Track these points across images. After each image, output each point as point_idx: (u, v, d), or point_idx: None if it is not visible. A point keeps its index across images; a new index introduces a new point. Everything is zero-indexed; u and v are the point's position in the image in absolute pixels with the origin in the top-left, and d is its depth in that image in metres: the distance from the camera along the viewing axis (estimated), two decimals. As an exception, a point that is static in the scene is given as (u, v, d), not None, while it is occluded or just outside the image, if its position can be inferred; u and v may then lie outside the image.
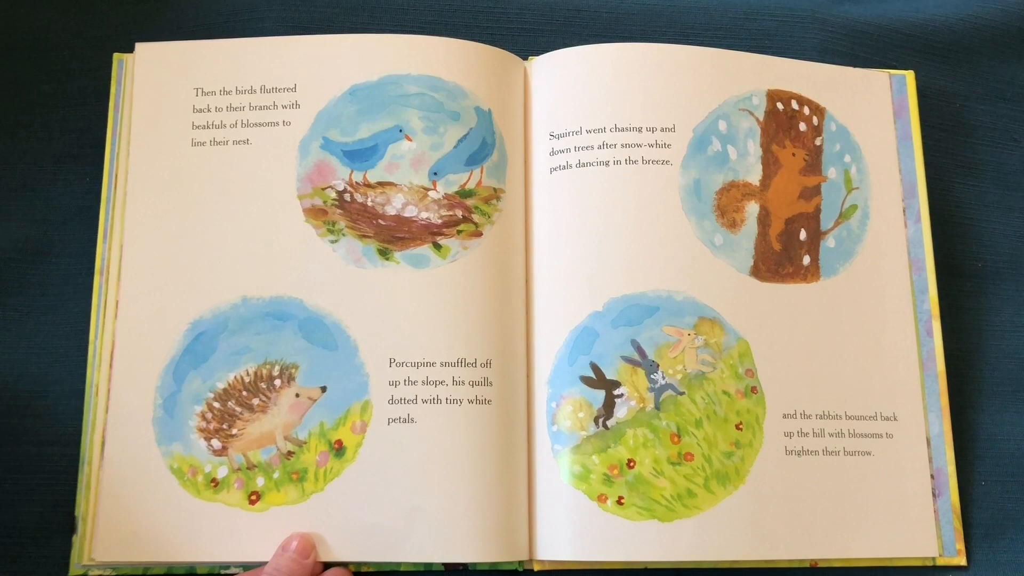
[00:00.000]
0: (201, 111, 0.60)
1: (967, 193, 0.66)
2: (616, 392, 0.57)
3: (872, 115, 0.64)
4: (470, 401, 0.56)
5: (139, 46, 0.61)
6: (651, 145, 0.60)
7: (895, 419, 0.59)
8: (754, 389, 0.58)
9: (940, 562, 0.58)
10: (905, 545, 0.58)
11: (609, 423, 0.56)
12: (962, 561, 0.58)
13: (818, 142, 0.63)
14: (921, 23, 0.68)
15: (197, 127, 0.60)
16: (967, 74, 0.68)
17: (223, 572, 0.55)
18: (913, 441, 0.59)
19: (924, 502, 0.59)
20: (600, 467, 0.56)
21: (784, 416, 0.58)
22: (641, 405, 0.57)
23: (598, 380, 0.57)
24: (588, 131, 0.60)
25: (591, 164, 0.59)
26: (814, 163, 0.63)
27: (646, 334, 0.57)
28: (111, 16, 0.65)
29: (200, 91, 0.61)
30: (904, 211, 0.63)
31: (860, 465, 0.58)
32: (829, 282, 0.61)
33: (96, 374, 0.57)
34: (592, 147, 0.60)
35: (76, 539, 0.55)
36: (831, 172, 0.63)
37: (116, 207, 0.59)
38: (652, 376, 0.57)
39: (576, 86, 0.61)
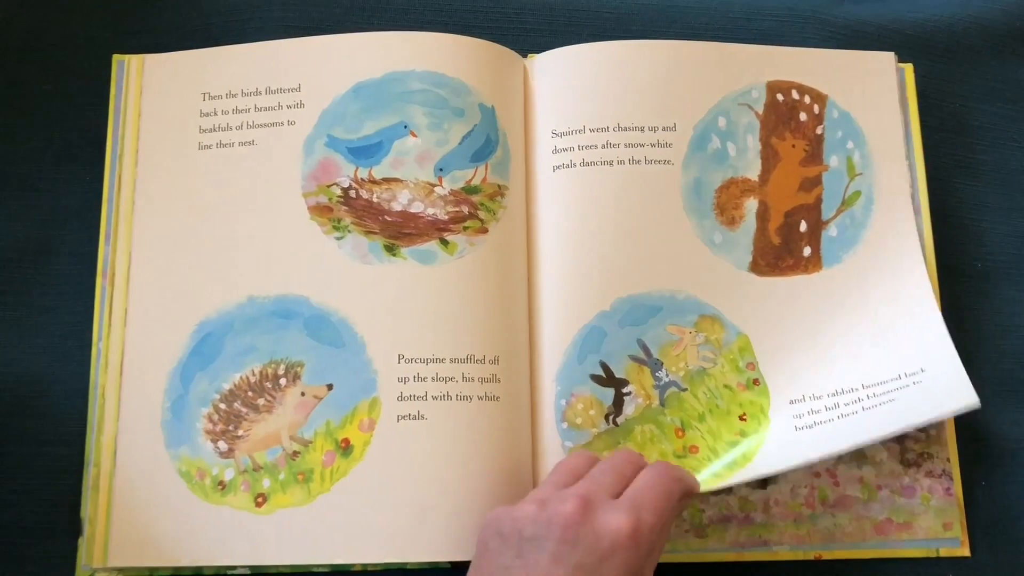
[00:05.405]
0: (208, 115, 0.60)
1: (967, 193, 0.66)
2: (625, 390, 0.58)
3: (877, 97, 0.64)
4: (480, 398, 0.55)
5: (147, 57, 0.62)
6: (653, 145, 0.60)
7: (921, 375, 0.57)
8: (756, 381, 0.59)
9: (943, 553, 0.58)
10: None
11: (619, 420, 0.57)
12: (965, 552, 0.58)
13: (819, 131, 0.63)
14: (921, 23, 0.68)
15: (204, 131, 0.60)
16: (967, 74, 0.68)
17: (229, 573, 0.55)
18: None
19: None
20: (610, 463, 0.56)
21: (792, 402, 0.58)
22: (647, 402, 0.58)
23: (608, 378, 0.57)
24: (591, 130, 0.60)
25: (595, 163, 0.60)
26: (815, 152, 0.63)
27: (651, 333, 0.58)
28: (111, 16, 0.65)
29: (207, 96, 0.61)
30: (912, 187, 0.63)
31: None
32: (832, 271, 0.61)
33: (102, 376, 0.57)
34: (596, 146, 0.60)
35: (82, 541, 0.55)
36: (833, 160, 0.63)
37: (120, 210, 0.59)
38: (657, 374, 0.58)
39: (577, 84, 0.61)
